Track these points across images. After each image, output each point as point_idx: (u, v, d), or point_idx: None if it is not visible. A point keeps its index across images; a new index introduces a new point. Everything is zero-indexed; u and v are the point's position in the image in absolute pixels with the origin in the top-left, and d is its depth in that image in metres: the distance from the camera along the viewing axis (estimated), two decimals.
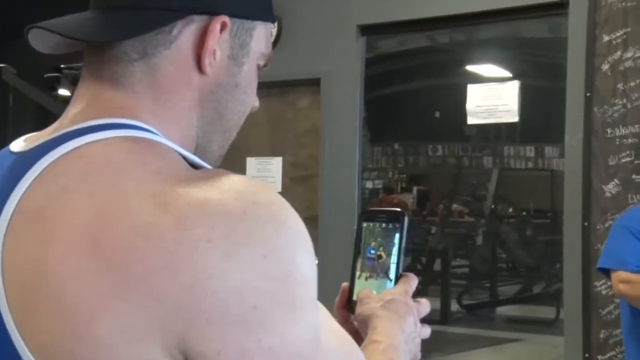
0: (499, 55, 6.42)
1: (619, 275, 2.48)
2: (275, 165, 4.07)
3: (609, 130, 3.15)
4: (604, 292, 3.07)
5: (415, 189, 9.80)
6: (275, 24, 3.95)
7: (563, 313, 3.41)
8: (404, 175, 10.89)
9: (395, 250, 0.95)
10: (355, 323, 0.94)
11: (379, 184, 10.82)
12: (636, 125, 3.10)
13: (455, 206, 9.16)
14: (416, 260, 8.25)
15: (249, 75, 0.81)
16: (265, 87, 4.06)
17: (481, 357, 5.87)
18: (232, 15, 0.77)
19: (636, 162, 3.09)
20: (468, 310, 7.54)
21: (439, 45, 7.10)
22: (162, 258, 0.63)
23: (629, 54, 3.12)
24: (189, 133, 0.78)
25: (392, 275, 0.95)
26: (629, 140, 3.11)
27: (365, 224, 0.98)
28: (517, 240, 8.46)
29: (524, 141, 10.11)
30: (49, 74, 3.60)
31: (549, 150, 10.00)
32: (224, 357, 0.63)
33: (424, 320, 0.96)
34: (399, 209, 0.99)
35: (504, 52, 6.60)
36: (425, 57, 7.92)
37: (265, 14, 0.82)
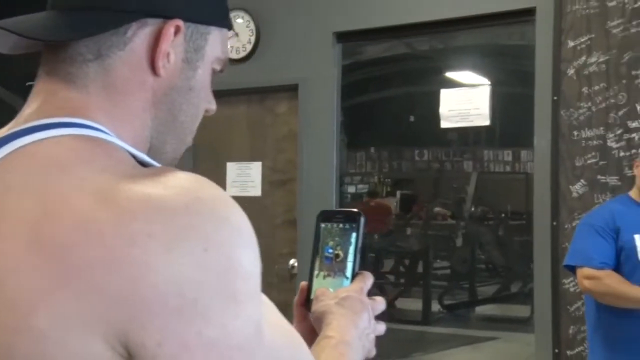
0: (475, 62, 6.50)
1: (583, 271, 2.54)
2: (254, 169, 4.13)
3: (575, 133, 3.24)
4: (572, 289, 3.15)
5: (398, 193, 9.88)
6: (255, 30, 4.04)
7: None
8: (389, 180, 10.97)
9: (352, 249, 0.97)
10: (312, 320, 0.94)
11: (362, 188, 10.90)
12: (601, 128, 3.19)
13: (437, 209, 9.27)
14: (399, 262, 8.34)
15: (203, 79, 0.82)
16: (245, 94, 4.17)
17: (460, 355, 5.92)
18: (186, 19, 0.78)
19: (601, 163, 3.18)
20: (449, 310, 7.61)
21: (417, 52, 7.20)
22: (102, 252, 0.63)
23: (593, 59, 3.21)
24: (143, 133, 0.79)
25: (349, 273, 0.97)
26: (594, 142, 3.19)
27: (323, 225, 1.00)
28: (495, 242, 8.58)
29: (501, 145, 10.27)
30: (31, 82, 3.63)
31: (524, 154, 10.13)
32: (164, 349, 0.63)
33: (380, 317, 0.97)
34: (355, 210, 1.00)
35: (481, 59, 6.68)
36: (403, 64, 8.02)
37: (221, 20, 0.83)
